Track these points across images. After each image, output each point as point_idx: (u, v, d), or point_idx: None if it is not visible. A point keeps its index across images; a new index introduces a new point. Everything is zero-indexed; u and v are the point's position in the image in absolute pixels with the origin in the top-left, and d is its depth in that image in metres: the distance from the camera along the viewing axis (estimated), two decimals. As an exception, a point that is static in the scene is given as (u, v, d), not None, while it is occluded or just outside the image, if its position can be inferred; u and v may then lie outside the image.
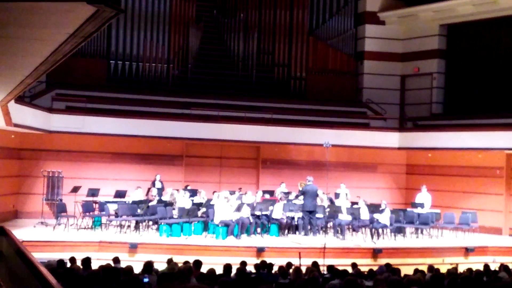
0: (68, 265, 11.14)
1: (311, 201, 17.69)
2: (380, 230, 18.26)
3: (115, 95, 22.41)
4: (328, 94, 24.95)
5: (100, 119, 20.43)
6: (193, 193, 19.41)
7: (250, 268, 11.80)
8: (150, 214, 17.73)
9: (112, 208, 17.96)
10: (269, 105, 23.36)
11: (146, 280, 8.98)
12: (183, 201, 18.14)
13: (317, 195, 18.08)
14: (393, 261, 14.52)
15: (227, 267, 10.11)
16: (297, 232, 18.09)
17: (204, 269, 10.28)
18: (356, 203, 18.77)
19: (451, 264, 15.45)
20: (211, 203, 17.93)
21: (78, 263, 11.17)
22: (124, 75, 23.38)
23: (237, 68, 24.78)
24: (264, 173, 22.62)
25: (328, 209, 18.41)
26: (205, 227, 17.85)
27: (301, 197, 18.22)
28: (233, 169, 22.60)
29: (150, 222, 18.31)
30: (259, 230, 17.99)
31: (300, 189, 18.90)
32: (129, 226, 17.85)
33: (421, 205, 19.49)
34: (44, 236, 16.43)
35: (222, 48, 25.19)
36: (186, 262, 11.03)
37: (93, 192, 18.78)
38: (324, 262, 14.00)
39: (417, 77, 24.82)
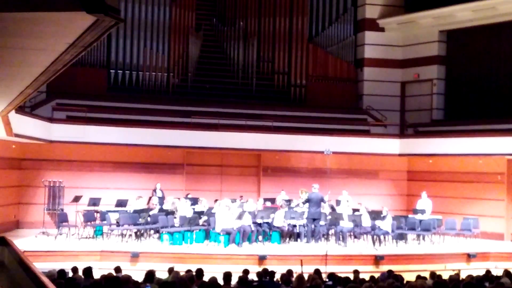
0: (70, 274, 11.13)
1: (315, 209, 17.71)
2: (382, 237, 18.23)
3: (115, 104, 22.44)
4: (329, 101, 24.97)
5: (101, 128, 20.43)
6: (194, 201, 19.41)
7: (253, 276, 11.77)
8: (152, 223, 17.74)
9: (113, 217, 17.94)
10: (270, 112, 23.38)
11: (148, 289, 8.97)
12: (184, 209, 18.13)
13: (321, 203, 18.08)
14: (395, 267, 14.50)
15: (227, 275, 10.08)
16: (298, 240, 18.08)
17: (206, 278, 10.26)
18: (358, 210, 18.76)
19: (453, 270, 15.39)
20: (212, 211, 17.90)
21: (80, 272, 11.15)
22: (124, 84, 23.43)
23: (237, 76, 24.82)
24: (265, 181, 22.60)
25: (329, 216, 18.41)
26: (207, 235, 17.83)
27: (305, 204, 18.25)
28: (234, 177, 22.59)
29: (152, 231, 18.32)
30: (260, 238, 17.95)
31: (301, 196, 18.91)
32: (130, 235, 17.83)
33: (423, 212, 19.47)
34: (46, 246, 16.42)
35: (222, 57, 25.24)
36: (188, 271, 11.01)
37: (94, 202, 18.77)
38: (326, 270, 13.98)
39: (417, 83, 24.86)
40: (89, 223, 18.10)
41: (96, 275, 11.01)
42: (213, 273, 10.64)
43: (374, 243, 17.97)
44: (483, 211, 20.72)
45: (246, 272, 11.68)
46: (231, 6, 25.44)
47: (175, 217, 17.78)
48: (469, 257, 17.46)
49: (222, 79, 24.71)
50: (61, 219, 18.08)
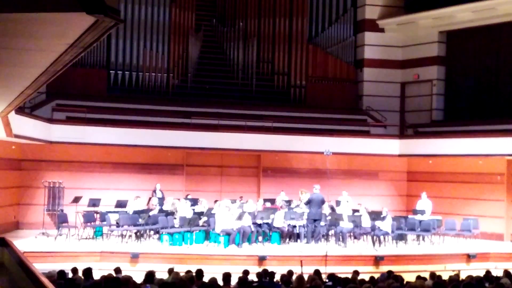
0: (70, 275, 11.13)
1: (316, 209, 17.72)
2: (381, 238, 18.23)
3: (115, 105, 22.43)
4: (328, 102, 24.97)
5: (101, 129, 20.43)
6: (194, 202, 19.40)
7: (252, 276, 11.77)
8: (151, 223, 17.73)
9: (113, 218, 17.93)
10: (269, 113, 23.39)
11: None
12: (184, 210, 18.12)
13: (323, 204, 18.07)
14: (395, 268, 14.49)
15: (227, 276, 10.09)
16: (298, 240, 18.07)
17: (205, 278, 10.26)
18: (358, 211, 18.75)
19: (453, 270, 15.39)
20: (212, 212, 17.90)
21: (80, 273, 11.15)
22: (124, 85, 23.42)
23: (237, 77, 24.82)
24: (265, 181, 22.59)
25: (329, 217, 18.40)
26: (207, 236, 17.83)
27: (304, 205, 18.25)
28: (234, 178, 22.58)
29: (152, 232, 18.32)
30: (260, 238, 17.95)
31: (301, 196, 18.90)
32: (130, 236, 17.82)
33: (422, 212, 19.47)
34: (46, 247, 16.42)
35: (221, 57, 25.24)
36: (188, 272, 11.01)
37: (94, 202, 18.77)
38: (326, 270, 13.98)
39: (417, 84, 24.85)
40: (89, 223, 18.10)
41: (96, 276, 11.01)
42: (213, 273, 10.65)
43: (374, 243, 17.97)
44: (483, 212, 20.71)
45: (246, 272, 11.68)
46: (231, 7, 25.45)
47: (175, 218, 17.79)
48: (469, 257, 17.46)
49: (222, 79, 24.71)
50: (61, 220, 18.07)
